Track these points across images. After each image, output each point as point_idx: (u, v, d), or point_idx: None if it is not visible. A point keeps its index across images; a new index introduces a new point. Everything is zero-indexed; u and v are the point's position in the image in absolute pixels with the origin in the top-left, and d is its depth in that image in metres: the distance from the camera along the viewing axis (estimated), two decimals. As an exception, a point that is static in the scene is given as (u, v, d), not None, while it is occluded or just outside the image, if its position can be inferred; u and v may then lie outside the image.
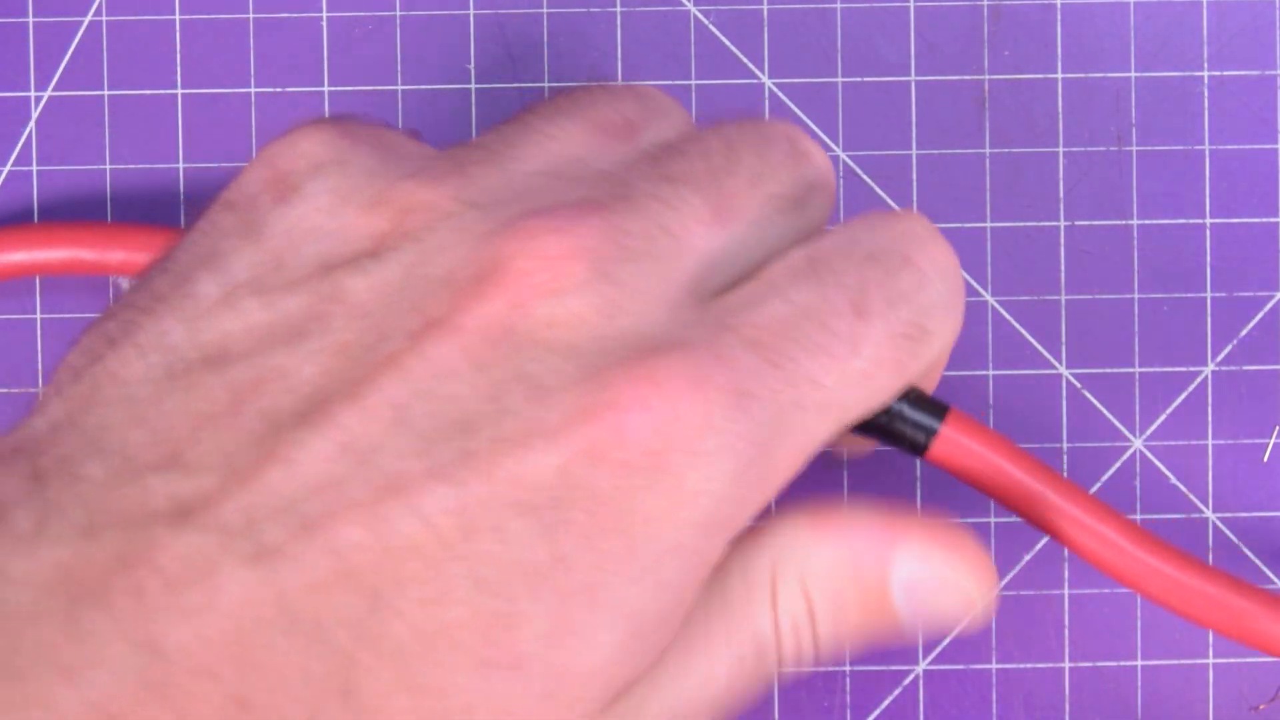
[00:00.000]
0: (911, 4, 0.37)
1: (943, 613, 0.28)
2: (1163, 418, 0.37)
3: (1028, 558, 0.37)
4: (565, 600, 0.24)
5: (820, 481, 0.37)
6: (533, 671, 0.24)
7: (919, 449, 0.32)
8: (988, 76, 0.37)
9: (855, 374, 0.26)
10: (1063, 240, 0.37)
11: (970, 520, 0.37)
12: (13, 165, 0.37)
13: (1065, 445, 0.37)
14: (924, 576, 0.28)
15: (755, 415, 0.25)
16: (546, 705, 0.24)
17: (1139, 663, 0.37)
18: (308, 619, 0.22)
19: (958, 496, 0.35)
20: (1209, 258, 0.37)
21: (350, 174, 0.27)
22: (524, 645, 0.23)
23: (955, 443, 0.31)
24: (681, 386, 0.24)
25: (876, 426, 0.32)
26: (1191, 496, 0.37)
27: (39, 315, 0.37)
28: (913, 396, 0.31)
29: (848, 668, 0.37)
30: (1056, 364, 0.37)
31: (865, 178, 0.37)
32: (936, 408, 0.31)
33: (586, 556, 0.24)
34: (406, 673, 0.23)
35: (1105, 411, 0.37)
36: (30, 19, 0.37)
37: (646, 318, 0.25)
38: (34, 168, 0.37)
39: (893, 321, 0.26)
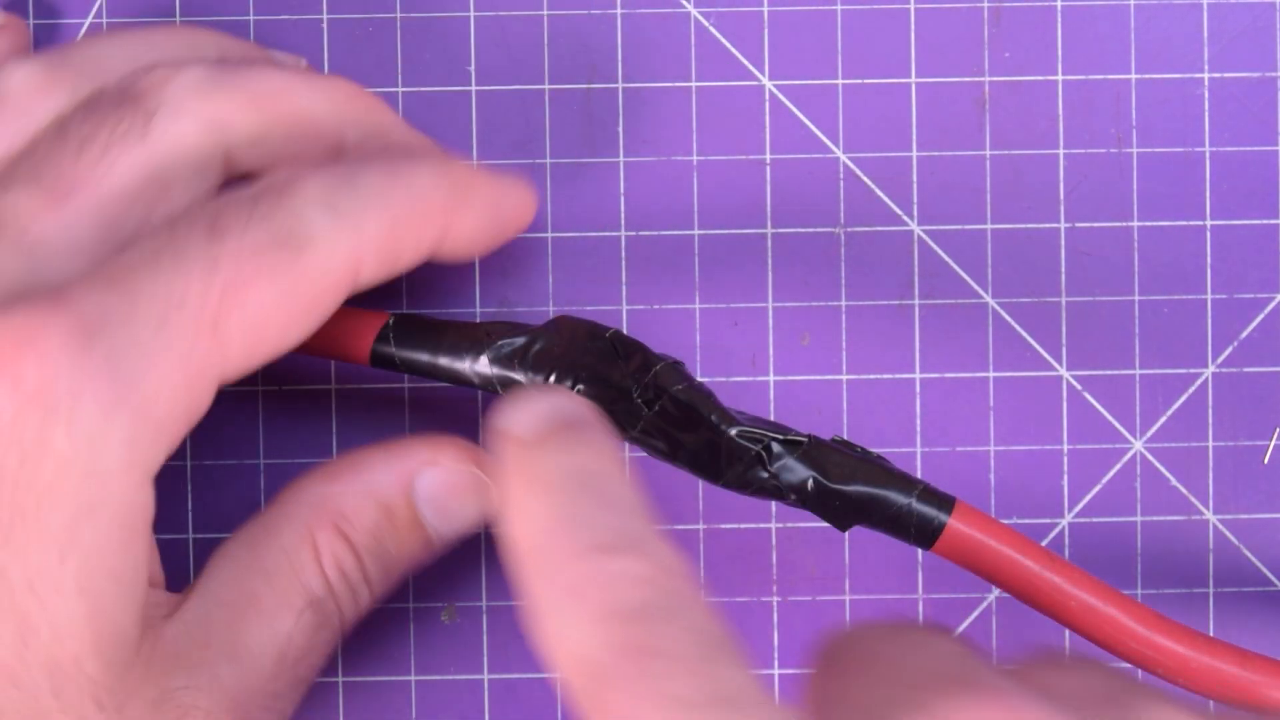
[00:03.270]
0: (911, 5, 0.37)
1: (465, 513, 0.32)
2: (1163, 419, 0.37)
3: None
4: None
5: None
6: None
7: (926, 542, 0.32)
8: (988, 78, 0.37)
9: (222, 286, 0.28)
10: (1063, 242, 0.37)
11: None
12: (13, 166, 0.37)
13: (1065, 446, 0.37)
14: (441, 485, 0.32)
15: (104, 347, 0.27)
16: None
17: (1139, 664, 0.37)
18: None
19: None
20: (1209, 259, 0.37)
21: None
22: None
23: (962, 535, 0.32)
24: (14, 346, 0.26)
25: (882, 521, 0.32)
26: (1192, 498, 0.37)
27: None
28: (920, 491, 0.32)
29: (848, 669, 0.37)
30: (1057, 365, 0.37)
31: (865, 179, 0.37)
32: (943, 501, 0.32)
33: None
34: None
35: (1105, 413, 0.37)
36: (30, 21, 0.37)
37: None
38: (34, 169, 0.37)
39: (252, 235, 0.28)
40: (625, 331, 0.35)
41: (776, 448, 0.32)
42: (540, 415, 0.28)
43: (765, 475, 0.32)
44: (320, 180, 0.30)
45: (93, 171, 0.30)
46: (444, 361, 0.33)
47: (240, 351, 0.29)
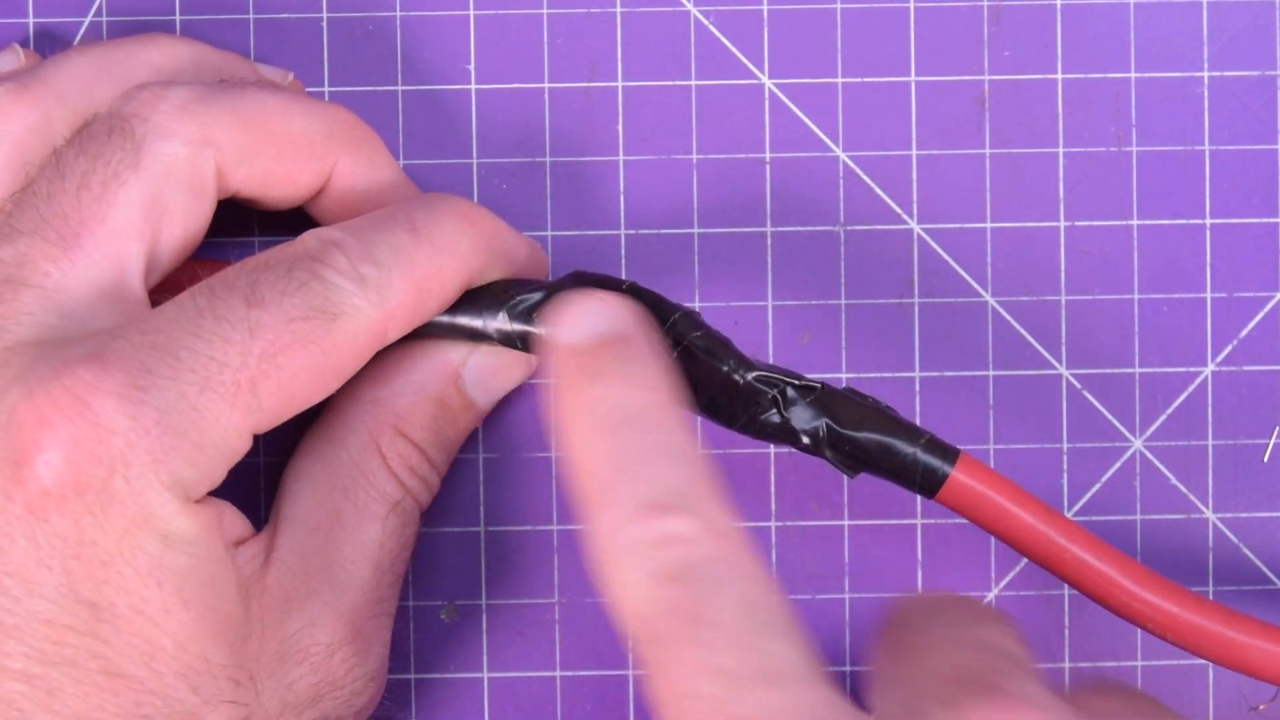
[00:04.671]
0: (911, 4, 0.37)
1: (509, 385, 0.35)
2: (1163, 418, 0.37)
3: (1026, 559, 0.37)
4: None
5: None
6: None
7: (930, 491, 0.32)
8: (988, 76, 0.37)
9: (260, 352, 0.30)
10: (1063, 240, 0.37)
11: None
12: (13, 165, 0.37)
13: (1065, 445, 0.37)
14: (486, 368, 0.34)
15: (155, 403, 0.29)
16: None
17: (1139, 663, 0.37)
18: None
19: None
20: (1209, 258, 0.37)
21: None
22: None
23: (964, 486, 0.32)
24: (68, 409, 0.28)
25: (889, 468, 0.32)
26: (1191, 497, 0.37)
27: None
28: (925, 441, 0.32)
29: (848, 668, 0.37)
30: (1056, 364, 0.37)
31: (865, 178, 0.37)
32: (948, 452, 0.32)
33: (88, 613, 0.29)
34: None
35: (1105, 412, 0.37)
36: (30, 19, 0.37)
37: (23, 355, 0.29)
38: (34, 168, 0.37)
39: (288, 305, 0.30)
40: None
41: (791, 393, 0.32)
42: (590, 326, 0.29)
43: (779, 419, 0.32)
44: (350, 251, 0.31)
45: (95, 211, 0.31)
46: (463, 320, 0.33)
47: (274, 409, 0.30)
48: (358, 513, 0.33)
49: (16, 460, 0.28)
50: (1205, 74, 0.37)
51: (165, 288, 0.33)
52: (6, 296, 0.30)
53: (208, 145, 0.32)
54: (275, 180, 0.33)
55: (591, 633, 0.37)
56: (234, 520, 0.32)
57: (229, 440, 0.30)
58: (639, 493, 0.27)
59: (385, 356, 0.34)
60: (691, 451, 0.28)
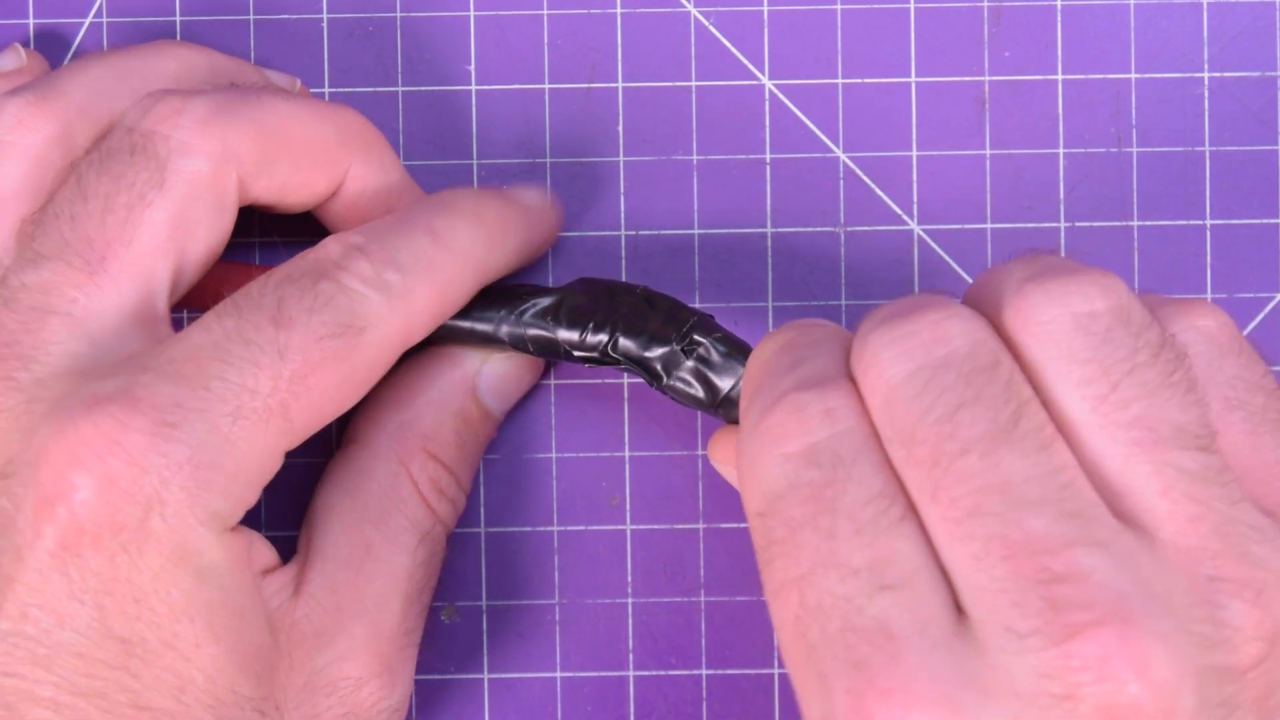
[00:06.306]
0: (911, 4, 0.37)
1: (520, 386, 0.36)
2: (1163, 419, 0.37)
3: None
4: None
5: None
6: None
7: None
8: (988, 77, 0.37)
9: (290, 375, 0.29)
10: (1063, 241, 0.37)
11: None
12: (13, 166, 0.37)
13: (1065, 446, 0.37)
14: (501, 376, 0.35)
15: (186, 438, 0.28)
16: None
17: (1140, 664, 0.37)
18: None
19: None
20: (1209, 258, 0.37)
21: None
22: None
23: None
24: (100, 447, 0.28)
25: None
26: (1192, 497, 0.37)
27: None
28: None
29: (848, 669, 0.37)
30: (1057, 365, 0.37)
31: (865, 178, 0.37)
32: None
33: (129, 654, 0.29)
34: None
35: (1105, 412, 0.37)
36: (31, 20, 0.37)
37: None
38: (34, 169, 0.37)
39: (316, 322, 0.30)
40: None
41: None
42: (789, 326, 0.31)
43: None
44: (374, 256, 0.31)
45: (121, 234, 0.31)
46: (475, 325, 0.34)
47: (305, 427, 0.30)
48: (389, 544, 0.33)
49: (49, 498, 0.28)
50: (1205, 75, 0.37)
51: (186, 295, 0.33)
52: (34, 325, 0.30)
53: (230, 160, 0.32)
54: (292, 188, 0.33)
55: (591, 634, 0.37)
56: (262, 549, 0.31)
57: (263, 464, 0.30)
58: (790, 371, 0.28)
59: (401, 376, 0.34)
60: (839, 346, 0.29)
